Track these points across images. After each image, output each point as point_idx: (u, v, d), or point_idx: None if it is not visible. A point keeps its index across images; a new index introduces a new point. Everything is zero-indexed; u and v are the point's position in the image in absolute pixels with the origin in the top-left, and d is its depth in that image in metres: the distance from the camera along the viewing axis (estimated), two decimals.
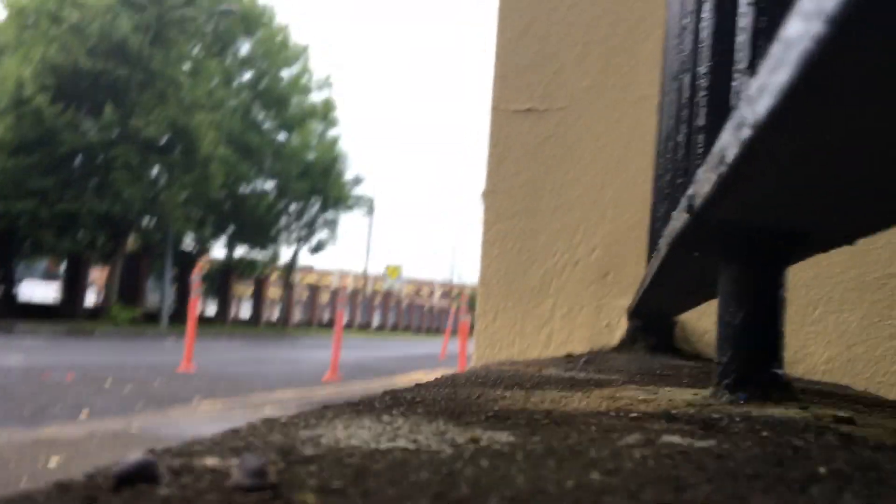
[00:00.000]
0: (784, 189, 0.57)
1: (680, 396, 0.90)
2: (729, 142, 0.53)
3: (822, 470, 0.50)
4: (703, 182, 0.65)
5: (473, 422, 0.63)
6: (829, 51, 0.33)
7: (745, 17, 0.89)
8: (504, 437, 0.56)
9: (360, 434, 0.54)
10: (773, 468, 0.50)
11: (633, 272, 2.67)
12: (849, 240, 0.76)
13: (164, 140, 22.12)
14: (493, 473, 0.43)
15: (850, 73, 0.36)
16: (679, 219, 0.84)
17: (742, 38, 0.89)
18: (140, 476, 0.37)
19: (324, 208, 32.85)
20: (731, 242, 0.78)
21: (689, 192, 0.74)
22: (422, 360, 16.42)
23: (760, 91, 0.43)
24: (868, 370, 2.66)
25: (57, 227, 21.04)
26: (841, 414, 0.82)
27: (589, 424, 0.65)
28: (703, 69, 1.20)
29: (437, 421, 0.62)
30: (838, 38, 0.32)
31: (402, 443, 0.51)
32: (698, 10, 1.39)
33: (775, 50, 0.41)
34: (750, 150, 0.48)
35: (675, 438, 0.60)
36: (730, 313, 0.86)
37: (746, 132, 0.47)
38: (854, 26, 0.31)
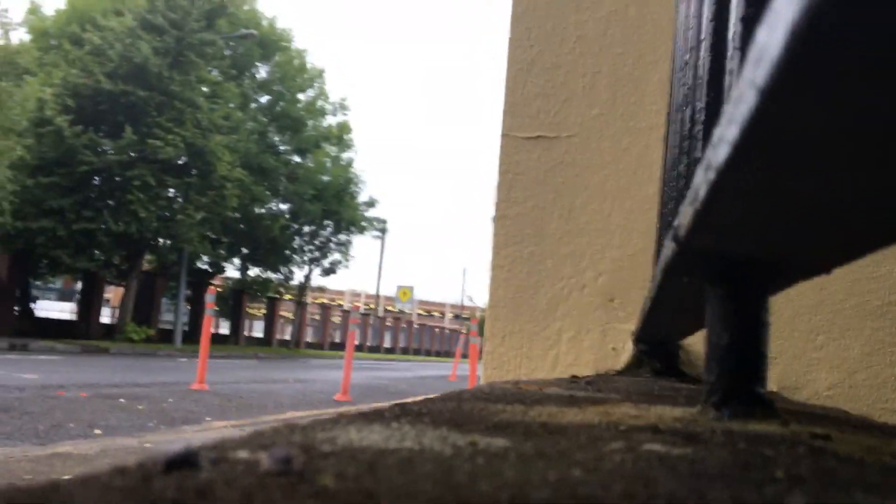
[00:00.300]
0: (752, 224, 0.64)
1: (670, 413, 0.96)
2: (700, 181, 0.60)
3: (782, 473, 0.56)
4: (684, 215, 0.72)
5: (474, 430, 0.70)
6: (767, 114, 0.40)
7: (732, 60, 0.96)
8: (501, 442, 0.63)
9: (371, 437, 0.61)
10: (738, 471, 0.56)
11: (639, 297, 2.72)
12: (824, 270, 0.82)
13: (181, 161, 22.39)
14: (487, 468, 0.50)
15: (790, 132, 0.43)
16: (668, 247, 0.90)
17: (729, 81, 0.96)
18: (185, 462, 0.44)
19: (337, 230, 33.04)
20: (713, 270, 0.84)
21: (675, 223, 0.81)
22: (432, 382, 16.45)
23: (719, 140, 0.50)
24: (870, 397, 2.70)
25: (74, 246, 21.28)
26: (819, 431, 0.88)
27: (579, 434, 0.72)
28: (700, 104, 1.27)
29: (441, 429, 0.69)
30: (770, 106, 0.39)
31: (408, 444, 0.58)
32: (697, 48, 1.46)
33: (728, 106, 0.48)
34: (715, 190, 0.54)
35: (656, 447, 0.66)
36: (716, 335, 0.93)
37: (711, 174, 0.54)
38: (782, 95, 0.38)
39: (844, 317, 2.73)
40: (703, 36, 1.36)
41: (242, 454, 0.49)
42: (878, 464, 0.73)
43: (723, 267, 0.84)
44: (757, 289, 0.87)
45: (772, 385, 2.69)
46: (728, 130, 0.47)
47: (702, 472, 0.53)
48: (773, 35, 0.35)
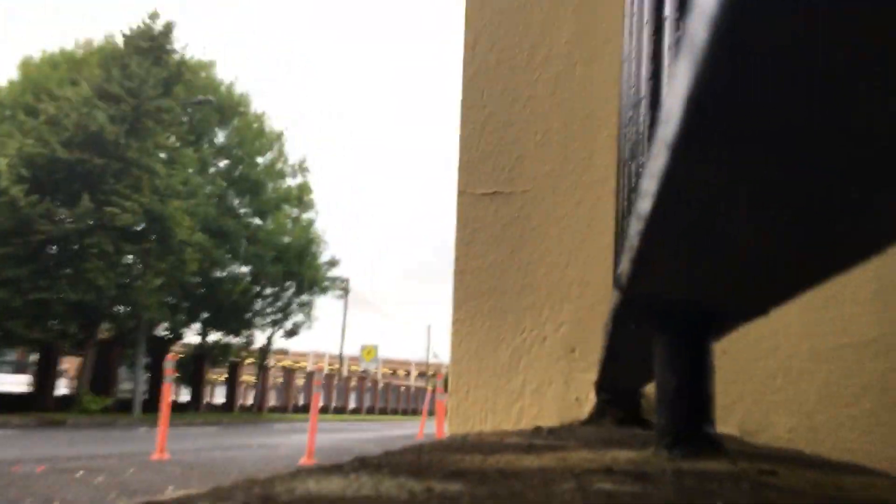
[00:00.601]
0: (684, 270, 0.68)
1: (625, 456, 0.99)
2: (633, 231, 0.64)
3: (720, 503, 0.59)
4: (624, 263, 0.76)
5: (432, 477, 0.72)
6: (677, 169, 0.45)
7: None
8: (457, 487, 0.65)
9: (330, 487, 0.63)
10: None
11: (599, 347, 2.76)
12: (761, 312, 0.87)
13: (139, 227, 22.19)
14: None
15: (701, 185, 0.47)
16: (614, 295, 0.94)
17: None
18: None
19: (299, 291, 32.80)
20: (655, 316, 0.88)
21: (618, 271, 0.85)
22: (399, 441, 16.24)
23: (644, 193, 0.55)
24: (830, 438, 2.75)
25: (29, 317, 20.82)
26: (766, 467, 0.91)
27: (533, 478, 0.74)
28: (642, 159, 1.33)
29: (399, 478, 0.71)
30: (679, 162, 0.43)
31: (365, 492, 0.60)
32: (638, 105, 1.53)
33: (649, 162, 0.52)
34: (645, 239, 0.59)
35: (607, 486, 0.69)
36: (665, 379, 0.96)
37: (640, 225, 0.58)
38: (687, 152, 0.43)
39: (800, 360, 2.79)
40: (642, 94, 1.43)
41: None
42: (820, 495, 0.76)
43: (664, 313, 0.88)
44: (699, 333, 0.91)
45: (733, 429, 2.74)
46: (649, 184, 0.51)
47: None
48: (674, 99, 0.40)
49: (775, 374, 2.73)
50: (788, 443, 2.70)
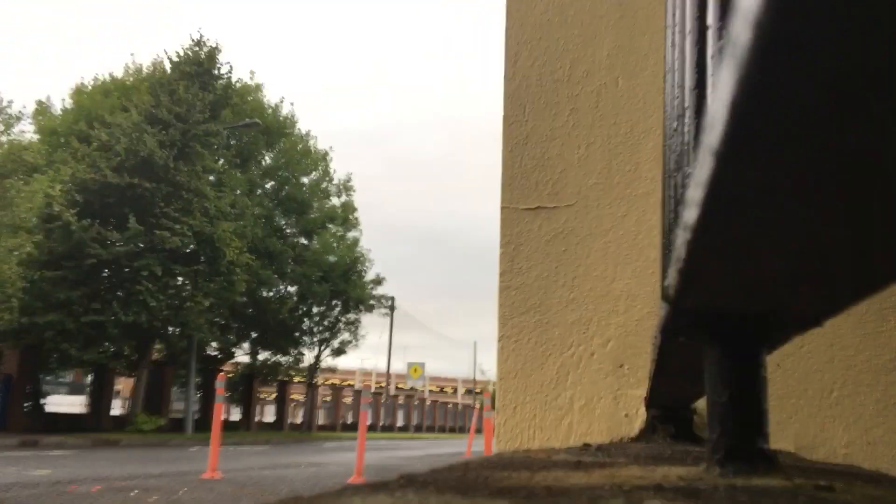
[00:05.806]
0: (733, 279, 0.67)
1: (675, 472, 0.97)
2: (680, 241, 0.63)
3: None
4: (671, 275, 0.75)
5: (478, 495, 0.71)
6: (724, 175, 0.44)
7: None
8: None
9: None
10: None
11: (647, 362, 2.72)
12: (815, 322, 0.84)
13: (188, 249, 22.58)
14: None
15: (748, 190, 0.46)
16: (663, 308, 0.93)
17: None
18: None
19: (345, 310, 32.99)
20: (705, 328, 0.86)
21: (665, 283, 0.84)
22: (447, 460, 16.19)
23: (690, 202, 0.54)
24: (889, 452, 2.66)
25: (83, 339, 21.28)
26: (822, 483, 0.88)
27: (582, 495, 0.73)
28: (689, 170, 1.31)
29: (445, 495, 0.70)
30: (725, 168, 0.43)
31: None
32: (683, 115, 1.51)
33: (694, 170, 0.51)
34: (692, 249, 0.57)
35: (656, 502, 0.68)
36: (716, 393, 0.94)
37: (687, 234, 0.57)
38: (736, 162, 0.42)
39: (857, 372, 2.72)
40: (686, 104, 1.41)
41: None
42: None
43: (714, 325, 0.86)
44: (751, 345, 0.89)
45: (788, 445, 2.67)
46: (695, 192, 0.50)
47: None
48: (718, 104, 0.39)
49: (831, 387, 2.66)
50: (845, 458, 2.62)
